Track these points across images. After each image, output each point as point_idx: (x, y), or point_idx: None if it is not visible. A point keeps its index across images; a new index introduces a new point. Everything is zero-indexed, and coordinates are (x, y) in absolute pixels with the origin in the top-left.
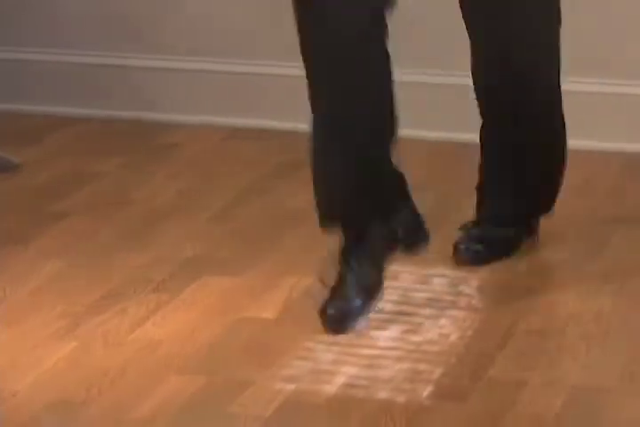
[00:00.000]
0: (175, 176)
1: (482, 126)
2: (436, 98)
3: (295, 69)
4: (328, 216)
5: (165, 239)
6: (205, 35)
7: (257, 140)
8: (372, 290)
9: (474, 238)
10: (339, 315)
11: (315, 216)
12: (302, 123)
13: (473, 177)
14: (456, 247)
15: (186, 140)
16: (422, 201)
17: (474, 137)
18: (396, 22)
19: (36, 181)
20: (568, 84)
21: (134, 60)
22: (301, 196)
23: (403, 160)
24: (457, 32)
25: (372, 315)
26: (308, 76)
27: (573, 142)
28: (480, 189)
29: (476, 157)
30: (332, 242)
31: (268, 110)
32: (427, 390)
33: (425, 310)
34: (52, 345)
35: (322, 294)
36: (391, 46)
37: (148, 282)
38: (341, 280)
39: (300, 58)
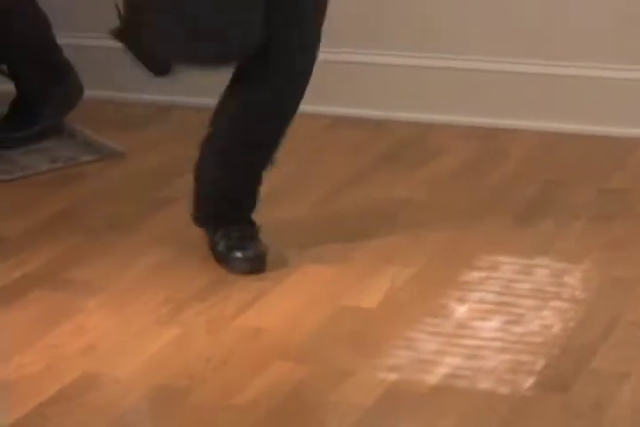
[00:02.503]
0: (275, 164)
1: None
2: None
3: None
4: None
5: (268, 227)
6: None
7: (360, 129)
8: None
9: None
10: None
11: (417, 205)
12: (402, 112)
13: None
14: None
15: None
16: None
17: None
18: None
19: (141, 169)
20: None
21: None
22: (406, 184)
23: None
24: None
25: (474, 305)
26: None
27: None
28: None
29: None
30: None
31: (371, 100)
32: (529, 382)
33: (527, 300)
34: (156, 331)
35: None
36: None
37: None
38: None
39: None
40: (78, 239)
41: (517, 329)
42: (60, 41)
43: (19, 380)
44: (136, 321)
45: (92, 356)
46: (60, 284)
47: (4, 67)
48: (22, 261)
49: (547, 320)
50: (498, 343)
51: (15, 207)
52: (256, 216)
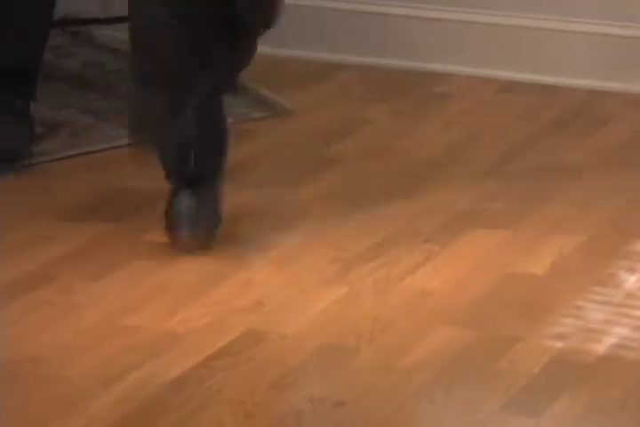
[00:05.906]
0: (446, 126)
1: None
2: None
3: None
4: None
5: (436, 190)
6: None
7: (531, 94)
8: None
9: None
10: None
11: (587, 173)
12: (573, 78)
13: None
14: None
15: (458, 90)
16: None
17: None
18: None
19: (308, 127)
20: None
21: (409, 10)
22: (576, 152)
23: None
24: None
25: None
26: None
27: None
28: None
29: None
30: None
31: (542, 64)
32: None
33: None
34: (323, 290)
35: None
36: None
37: (419, 232)
38: None
39: None
40: (245, 195)
41: None
42: None
43: (186, 333)
44: (303, 279)
45: (259, 312)
46: (227, 239)
47: None
48: None
49: None
50: None
51: None
52: (422, 181)
